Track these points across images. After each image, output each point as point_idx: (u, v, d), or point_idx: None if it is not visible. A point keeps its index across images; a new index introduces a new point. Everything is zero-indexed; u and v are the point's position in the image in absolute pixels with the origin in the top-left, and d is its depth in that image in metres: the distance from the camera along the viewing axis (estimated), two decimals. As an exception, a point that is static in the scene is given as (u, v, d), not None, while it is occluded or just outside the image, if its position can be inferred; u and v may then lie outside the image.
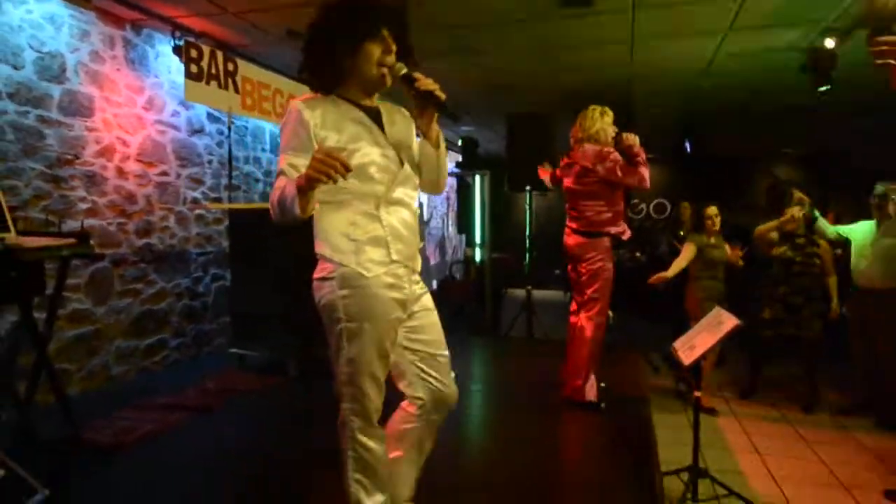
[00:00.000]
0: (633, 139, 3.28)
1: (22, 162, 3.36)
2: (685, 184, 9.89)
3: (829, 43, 4.17)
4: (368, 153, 1.63)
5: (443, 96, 1.63)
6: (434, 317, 1.86)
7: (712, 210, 4.33)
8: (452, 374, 1.85)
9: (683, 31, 4.26)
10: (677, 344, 2.95)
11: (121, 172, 4.03)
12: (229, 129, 4.59)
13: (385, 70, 1.64)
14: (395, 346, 1.73)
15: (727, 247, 4.35)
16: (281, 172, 1.58)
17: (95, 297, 3.87)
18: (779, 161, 10.00)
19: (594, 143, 3.32)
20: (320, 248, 1.69)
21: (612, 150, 3.28)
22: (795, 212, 4.12)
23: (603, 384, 3.58)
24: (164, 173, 4.42)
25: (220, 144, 4.95)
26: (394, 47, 1.65)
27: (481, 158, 7.64)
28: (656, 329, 5.68)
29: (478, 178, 7.37)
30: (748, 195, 9.58)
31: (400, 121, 1.82)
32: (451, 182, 10.22)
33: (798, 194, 4.24)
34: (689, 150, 7.35)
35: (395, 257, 1.66)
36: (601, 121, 3.34)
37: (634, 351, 5.00)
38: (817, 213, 4.17)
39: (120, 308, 4.06)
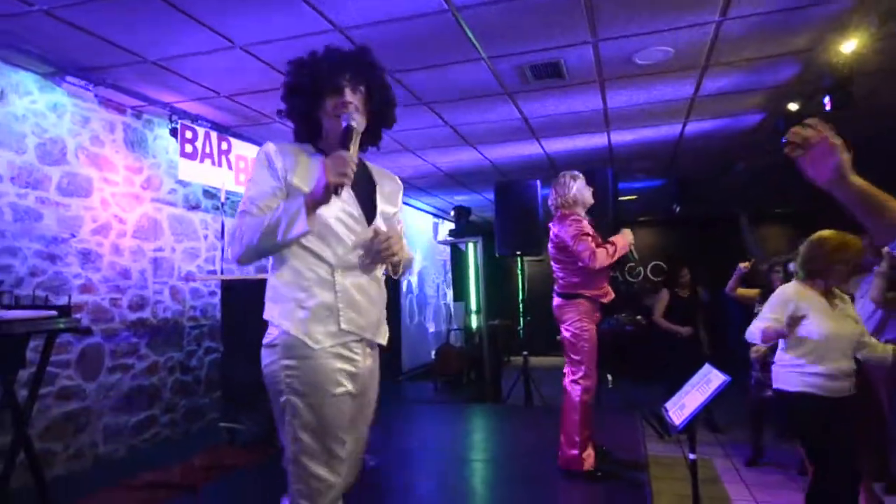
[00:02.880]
0: (628, 233, 3.37)
1: (19, 241, 3.48)
2: (675, 243, 10.01)
3: (793, 106, 4.36)
4: (331, 209, 1.53)
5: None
6: (371, 400, 1.75)
7: None
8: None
9: (652, 98, 4.47)
10: (669, 405, 2.89)
11: (116, 249, 4.14)
12: (223, 204, 4.75)
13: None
14: (353, 423, 1.59)
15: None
16: (244, 213, 1.53)
17: (85, 372, 3.87)
18: (768, 219, 10.10)
19: (569, 209, 3.40)
20: (269, 310, 1.59)
21: (578, 217, 3.33)
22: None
23: (603, 446, 3.50)
24: (160, 248, 4.53)
25: (215, 219, 5.10)
26: (354, 97, 1.59)
27: (474, 225, 7.79)
28: (656, 391, 5.56)
29: (471, 245, 7.48)
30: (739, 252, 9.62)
31: (385, 185, 1.77)
32: (446, 249, 10.35)
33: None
34: (677, 210, 7.48)
35: (344, 326, 1.54)
36: (575, 185, 3.42)
37: (633, 414, 4.88)
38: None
39: (110, 384, 4.05)
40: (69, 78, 3.65)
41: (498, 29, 3.23)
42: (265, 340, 1.58)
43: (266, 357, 1.57)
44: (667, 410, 2.82)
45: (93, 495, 3.22)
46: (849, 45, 3.38)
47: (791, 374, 2.67)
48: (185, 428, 4.68)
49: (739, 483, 3.95)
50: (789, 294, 2.66)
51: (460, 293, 8.11)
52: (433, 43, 3.39)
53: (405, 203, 8.88)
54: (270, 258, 1.64)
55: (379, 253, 1.58)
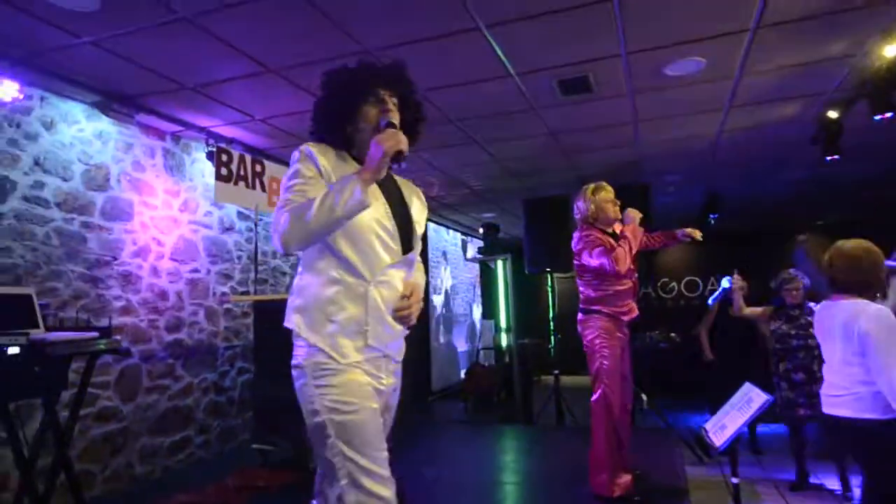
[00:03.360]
0: (634, 214, 3.31)
1: (64, 265, 3.60)
2: (711, 258, 9.76)
3: (833, 114, 4.25)
4: (366, 220, 1.51)
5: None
6: (389, 420, 1.71)
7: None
8: None
9: (683, 110, 4.41)
10: (708, 425, 2.80)
11: (154, 271, 4.25)
12: (256, 225, 4.84)
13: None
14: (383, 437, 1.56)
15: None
16: (288, 200, 1.48)
17: (123, 394, 3.95)
18: (812, 232, 9.80)
19: (591, 223, 3.34)
20: (295, 321, 1.55)
21: (591, 231, 3.27)
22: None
23: (638, 471, 3.39)
24: (196, 270, 4.63)
25: (248, 240, 5.20)
26: (392, 105, 1.62)
27: (503, 243, 7.77)
28: (695, 412, 5.39)
29: (500, 262, 7.45)
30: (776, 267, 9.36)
31: (416, 203, 1.76)
32: (475, 267, 10.32)
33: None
34: (711, 223, 7.33)
35: (371, 342, 1.53)
36: (595, 199, 3.34)
37: (670, 435, 4.73)
38: None
39: (147, 404, 4.12)
40: (114, 106, 3.79)
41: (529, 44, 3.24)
42: (294, 361, 1.55)
43: (297, 378, 1.54)
44: (707, 431, 2.74)
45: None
46: (892, 49, 3.29)
47: (879, 398, 2.22)
48: (218, 449, 4.72)
49: (786, 506, 3.78)
50: None
51: (490, 311, 8.06)
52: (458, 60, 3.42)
53: (437, 223, 8.93)
54: (301, 266, 1.62)
55: (400, 316, 1.57)
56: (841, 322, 2.28)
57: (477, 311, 10.52)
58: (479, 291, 10.56)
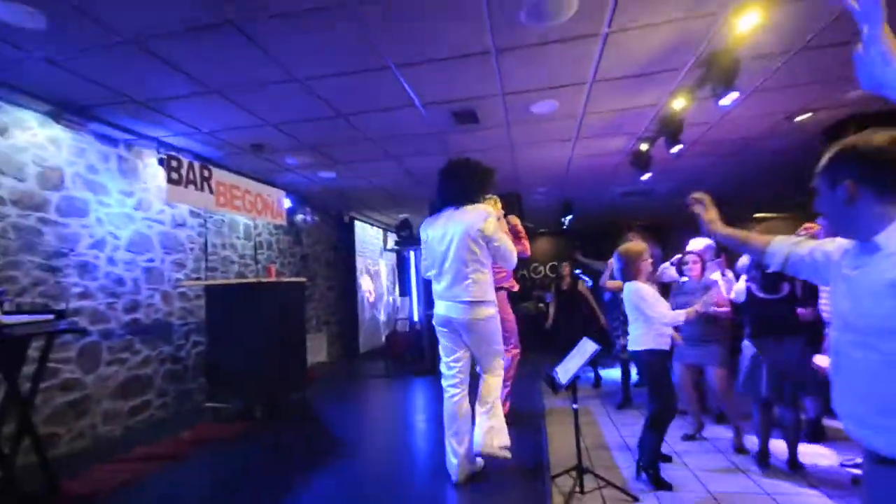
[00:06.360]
0: (515, 220, 3.48)
1: (21, 256, 3.17)
2: (567, 249, 10.49)
3: (644, 146, 4.70)
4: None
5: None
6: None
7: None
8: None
9: (545, 139, 4.63)
10: (557, 368, 3.01)
11: (111, 261, 3.85)
12: (206, 222, 4.52)
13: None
14: None
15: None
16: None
17: (85, 367, 3.56)
18: (634, 230, 10.73)
19: None
20: (488, 293, 2.52)
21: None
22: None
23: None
24: (151, 260, 4.24)
25: (200, 235, 4.84)
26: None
27: (415, 237, 7.81)
28: (555, 361, 5.75)
29: (412, 252, 7.48)
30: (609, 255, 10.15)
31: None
32: (393, 255, 10.30)
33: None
34: (566, 225, 7.81)
35: None
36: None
37: (535, 378, 5.05)
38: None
39: (108, 375, 3.74)
40: (66, 115, 3.36)
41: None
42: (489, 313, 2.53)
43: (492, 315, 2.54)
44: (556, 373, 2.97)
45: (91, 469, 2.97)
46: (679, 103, 3.69)
47: (655, 338, 2.93)
48: (175, 409, 4.39)
49: (610, 423, 4.17)
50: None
51: (404, 290, 8.07)
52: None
53: (364, 221, 8.78)
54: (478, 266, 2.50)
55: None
56: (627, 293, 2.98)
57: (395, 291, 10.53)
58: (396, 275, 10.55)
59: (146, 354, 4.13)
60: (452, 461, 2.50)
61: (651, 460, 2.88)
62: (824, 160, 1.20)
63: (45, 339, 2.66)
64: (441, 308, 2.59)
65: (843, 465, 3.03)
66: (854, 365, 1.12)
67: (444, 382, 2.62)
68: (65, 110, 3.34)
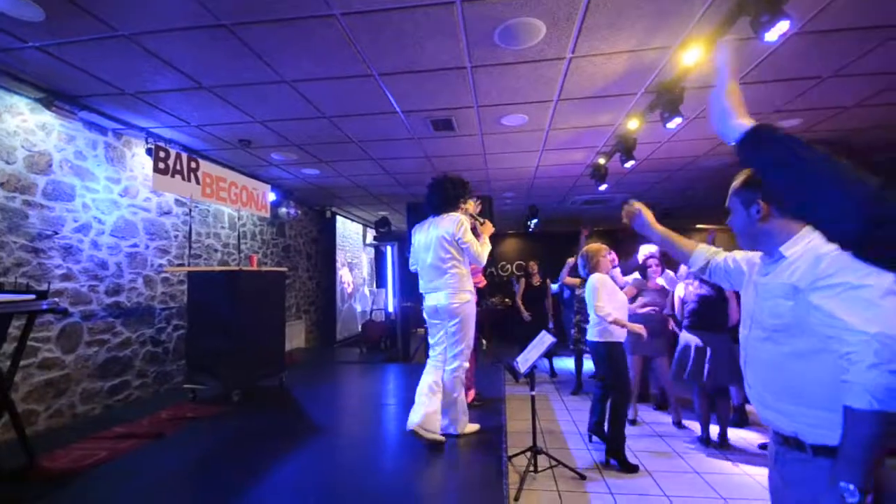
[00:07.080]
0: (489, 228, 3.59)
1: (5, 237, 3.06)
2: (532, 250, 10.74)
3: (602, 160, 4.89)
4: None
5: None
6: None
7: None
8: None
9: (514, 149, 4.76)
10: (518, 358, 3.14)
11: (95, 245, 3.75)
12: (191, 211, 4.44)
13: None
14: None
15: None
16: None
17: (65, 347, 3.47)
18: (585, 228, 11.05)
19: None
20: (465, 284, 2.78)
21: None
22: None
23: (479, 392, 3.71)
24: (135, 245, 4.15)
25: (185, 223, 4.75)
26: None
27: (392, 233, 7.84)
28: (517, 351, 5.93)
29: (389, 247, 7.52)
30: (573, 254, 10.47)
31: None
32: (371, 250, 10.28)
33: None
34: (531, 228, 8.01)
35: None
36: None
37: (498, 366, 5.20)
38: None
39: (88, 356, 3.65)
40: (57, 102, 3.26)
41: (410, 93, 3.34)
42: (466, 298, 2.78)
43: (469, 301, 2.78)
44: (516, 363, 3.09)
45: (70, 445, 2.90)
46: (633, 124, 3.89)
47: (611, 330, 3.12)
48: (154, 389, 4.31)
49: (564, 408, 4.36)
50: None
51: (381, 282, 8.10)
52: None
53: (345, 216, 8.73)
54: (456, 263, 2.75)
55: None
56: (587, 286, 3.19)
57: (372, 283, 10.52)
58: (374, 268, 10.54)
59: (127, 336, 4.04)
60: (412, 417, 2.73)
61: (620, 447, 3.02)
62: (737, 182, 1.33)
63: (25, 319, 2.60)
64: (430, 300, 2.90)
65: (760, 447, 3.30)
66: (761, 357, 1.20)
67: (428, 362, 2.91)
68: (56, 98, 3.24)
